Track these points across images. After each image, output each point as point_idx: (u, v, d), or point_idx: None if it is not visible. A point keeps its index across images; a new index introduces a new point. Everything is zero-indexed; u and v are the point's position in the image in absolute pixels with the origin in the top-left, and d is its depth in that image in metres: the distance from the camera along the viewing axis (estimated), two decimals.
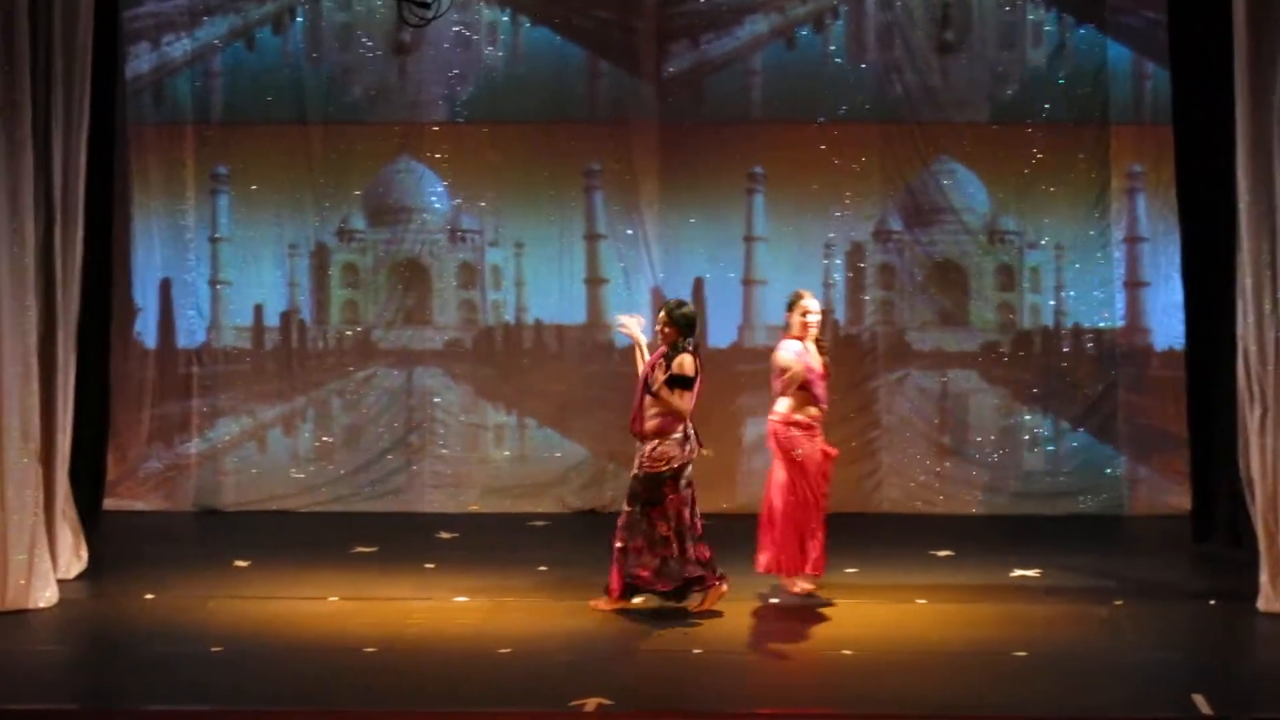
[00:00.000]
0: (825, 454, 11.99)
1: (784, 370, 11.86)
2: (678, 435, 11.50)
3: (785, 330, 12.06)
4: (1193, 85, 13.40)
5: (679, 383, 11.46)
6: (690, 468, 11.59)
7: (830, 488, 12.11)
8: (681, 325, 11.58)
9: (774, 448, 11.99)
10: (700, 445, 11.63)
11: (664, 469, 11.48)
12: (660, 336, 11.64)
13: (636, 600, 11.69)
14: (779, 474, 11.96)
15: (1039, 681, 10.02)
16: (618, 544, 11.59)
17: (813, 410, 11.94)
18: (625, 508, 11.63)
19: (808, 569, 11.91)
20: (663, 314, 11.64)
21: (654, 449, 11.49)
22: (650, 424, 11.52)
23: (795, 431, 11.91)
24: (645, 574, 11.55)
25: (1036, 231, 15.48)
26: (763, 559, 11.98)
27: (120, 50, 14.73)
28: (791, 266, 15.52)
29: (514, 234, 15.72)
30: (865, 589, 12.10)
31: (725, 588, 11.66)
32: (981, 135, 15.49)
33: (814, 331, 12.00)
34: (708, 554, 11.62)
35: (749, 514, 15.03)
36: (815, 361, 11.94)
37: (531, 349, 15.73)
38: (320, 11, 15.67)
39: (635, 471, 11.59)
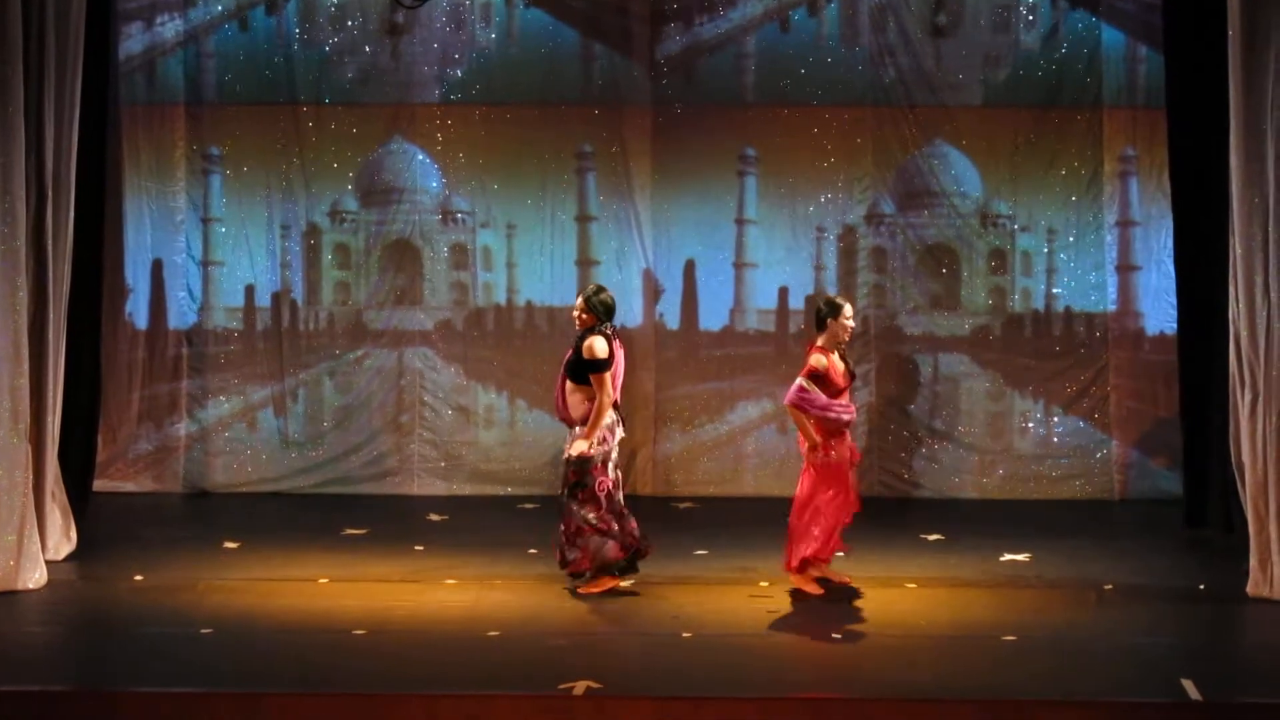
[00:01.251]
0: (854, 454, 11.86)
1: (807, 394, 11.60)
2: (608, 419, 11.49)
3: (821, 341, 11.64)
4: (1186, 69, 13.37)
5: (590, 366, 11.42)
6: (616, 452, 11.61)
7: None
8: (599, 311, 11.53)
9: (804, 451, 11.73)
10: (623, 429, 11.66)
11: (595, 452, 11.45)
12: (579, 323, 11.59)
13: (626, 582, 11.71)
14: (808, 477, 11.69)
15: (1028, 665, 10.02)
16: (562, 528, 11.64)
17: (844, 416, 11.78)
18: (564, 497, 11.63)
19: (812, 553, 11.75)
20: (580, 300, 11.60)
21: (585, 431, 11.46)
22: (577, 410, 11.51)
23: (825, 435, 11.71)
24: (584, 560, 11.61)
25: (1028, 215, 15.47)
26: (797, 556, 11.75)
27: (113, 30, 14.65)
28: (783, 249, 15.54)
29: (506, 215, 15.70)
30: (854, 572, 12.07)
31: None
32: (974, 119, 15.47)
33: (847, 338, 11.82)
34: (637, 533, 11.65)
35: (739, 497, 15.21)
36: (840, 372, 11.64)
37: (522, 330, 15.71)
38: None
39: (568, 454, 11.56)
